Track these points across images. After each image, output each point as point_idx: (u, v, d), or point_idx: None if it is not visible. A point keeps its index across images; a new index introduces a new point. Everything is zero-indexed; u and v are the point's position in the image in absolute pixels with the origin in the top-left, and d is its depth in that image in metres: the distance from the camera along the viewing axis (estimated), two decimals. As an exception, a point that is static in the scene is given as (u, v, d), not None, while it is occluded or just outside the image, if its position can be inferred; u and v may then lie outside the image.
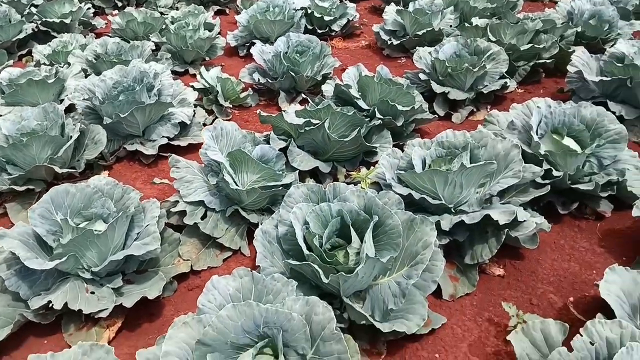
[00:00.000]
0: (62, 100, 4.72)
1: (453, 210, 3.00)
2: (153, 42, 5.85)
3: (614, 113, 4.03)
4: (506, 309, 2.55)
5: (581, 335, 1.98)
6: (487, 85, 4.84)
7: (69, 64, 5.29)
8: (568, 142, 3.44)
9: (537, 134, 3.47)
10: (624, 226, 3.27)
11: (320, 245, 2.55)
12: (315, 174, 3.77)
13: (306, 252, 2.47)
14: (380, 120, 3.99)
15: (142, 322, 2.77)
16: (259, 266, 2.63)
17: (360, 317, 2.39)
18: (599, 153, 3.40)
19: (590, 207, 3.37)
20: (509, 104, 4.08)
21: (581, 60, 4.56)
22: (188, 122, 4.36)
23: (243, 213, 3.17)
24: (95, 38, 6.31)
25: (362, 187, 3.06)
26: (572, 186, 3.23)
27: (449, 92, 4.70)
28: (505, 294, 2.84)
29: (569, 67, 4.60)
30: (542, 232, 2.99)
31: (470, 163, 3.03)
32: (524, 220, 2.83)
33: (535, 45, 5.19)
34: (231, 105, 5.00)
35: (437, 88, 4.76)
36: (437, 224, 2.83)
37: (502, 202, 3.16)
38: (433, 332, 2.61)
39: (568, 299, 2.72)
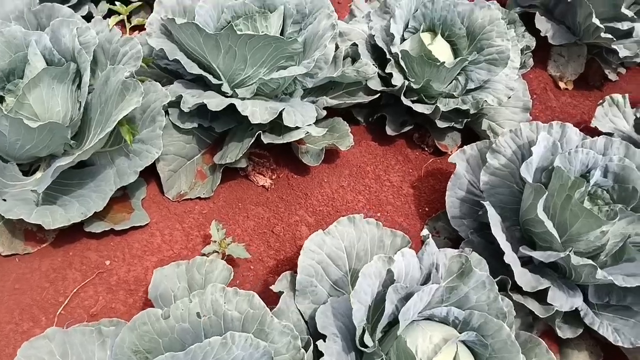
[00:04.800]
0: None
1: (229, 91, 2.24)
2: None
3: (537, 31, 3.11)
4: (212, 231, 1.92)
5: (190, 302, 1.36)
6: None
7: None
8: (438, 46, 2.57)
9: (404, 26, 2.60)
10: (460, 171, 2.56)
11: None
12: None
13: None
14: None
15: None
16: None
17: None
18: (471, 72, 2.58)
19: (433, 137, 2.63)
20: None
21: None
22: None
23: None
24: None
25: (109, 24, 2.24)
26: (406, 104, 2.44)
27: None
28: (254, 211, 2.20)
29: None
30: (333, 148, 2.27)
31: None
32: (297, 128, 2.10)
33: None
34: None
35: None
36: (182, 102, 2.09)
37: (310, 98, 2.41)
38: (124, 233, 2.02)
39: (318, 240, 2.09)
